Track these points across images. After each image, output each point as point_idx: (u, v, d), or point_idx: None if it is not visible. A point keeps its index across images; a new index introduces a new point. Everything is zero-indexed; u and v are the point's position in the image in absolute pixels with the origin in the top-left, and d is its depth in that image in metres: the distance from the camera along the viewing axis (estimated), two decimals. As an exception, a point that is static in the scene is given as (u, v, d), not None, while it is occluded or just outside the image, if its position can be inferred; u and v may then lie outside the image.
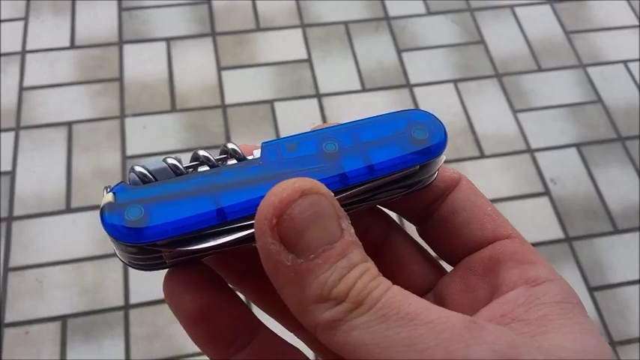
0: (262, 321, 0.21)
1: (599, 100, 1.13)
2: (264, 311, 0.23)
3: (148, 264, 0.19)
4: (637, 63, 1.18)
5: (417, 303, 0.16)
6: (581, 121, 1.10)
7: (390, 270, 0.22)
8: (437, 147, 0.20)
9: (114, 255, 0.92)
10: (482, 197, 0.22)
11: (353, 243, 0.17)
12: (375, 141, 0.20)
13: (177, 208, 0.18)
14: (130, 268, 0.89)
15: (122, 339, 0.85)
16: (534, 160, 1.05)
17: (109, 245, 0.91)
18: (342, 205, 0.18)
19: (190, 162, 0.20)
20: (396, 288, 0.16)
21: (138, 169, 0.19)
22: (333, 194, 0.17)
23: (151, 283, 0.89)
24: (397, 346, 0.15)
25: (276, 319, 0.23)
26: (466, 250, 0.21)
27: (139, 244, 0.18)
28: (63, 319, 0.86)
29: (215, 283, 0.20)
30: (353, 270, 0.16)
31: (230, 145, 0.20)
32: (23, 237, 0.92)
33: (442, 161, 0.21)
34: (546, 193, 1.01)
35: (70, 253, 0.91)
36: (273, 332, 0.21)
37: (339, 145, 0.19)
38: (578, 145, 1.07)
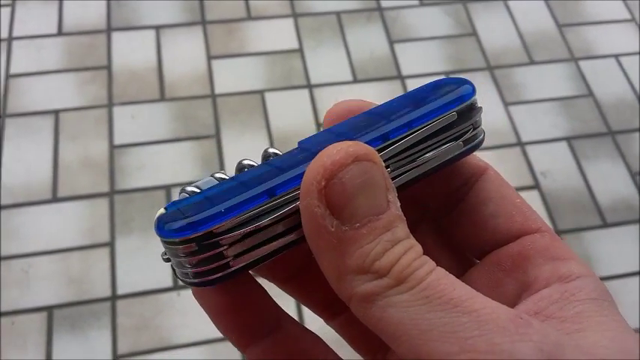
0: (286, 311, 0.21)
1: (591, 94, 1.13)
2: (304, 305, 0.23)
3: (210, 268, 0.18)
4: (629, 57, 1.18)
5: (463, 289, 0.15)
6: (572, 115, 1.10)
7: None
8: (466, 92, 0.20)
9: (101, 245, 0.91)
10: (511, 188, 0.21)
11: (399, 217, 0.16)
12: (409, 106, 0.20)
13: (227, 196, 0.18)
14: (117, 259, 0.88)
15: (109, 330, 0.84)
16: (525, 154, 1.05)
17: (96, 235, 0.90)
18: (390, 170, 0.17)
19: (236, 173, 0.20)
20: (441, 270, 0.16)
21: (189, 188, 0.19)
22: (384, 164, 0.17)
23: (138, 274, 0.88)
24: (437, 331, 0.14)
25: (312, 310, 0.23)
26: (493, 244, 0.20)
27: (198, 235, 0.17)
28: (49, 309, 0.85)
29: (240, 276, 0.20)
30: (397, 245, 0.16)
31: (271, 150, 0.20)
32: (9, 226, 0.91)
33: (481, 112, 0.21)
34: (536, 186, 1.01)
35: (56, 243, 0.90)
36: (296, 321, 0.21)
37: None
38: (568, 139, 1.07)
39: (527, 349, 0.14)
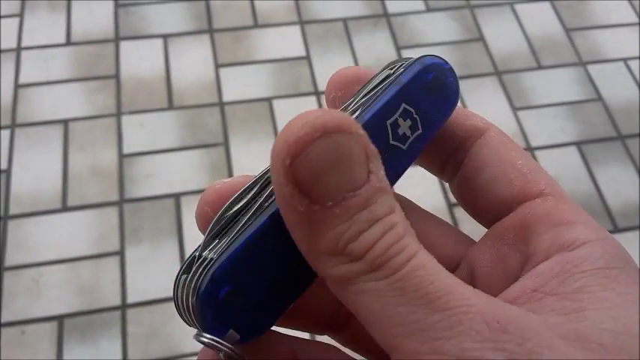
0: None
1: (600, 98, 1.12)
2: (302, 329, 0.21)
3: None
4: (637, 61, 1.17)
5: (440, 283, 0.14)
6: (581, 119, 1.09)
7: None
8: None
9: (110, 254, 0.91)
10: (514, 149, 0.19)
11: (379, 190, 0.15)
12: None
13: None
14: (127, 268, 0.88)
15: (119, 339, 0.84)
16: (534, 159, 1.04)
17: (106, 244, 0.91)
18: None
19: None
20: (422, 258, 0.14)
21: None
22: (365, 133, 0.15)
23: (148, 283, 0.88)
24: (408, 327, 0.13)
25: (311, 330, 0.21)
26: (495, 213, 0.18)
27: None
28: (59, 318, 0.85)
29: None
30: (375, 226, 0.14)
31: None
32: (19, 236, 0.91)
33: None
34: (546, 191, 1.01)
35: (66, 252, 0.90)
36: (309, 342, 0.19)
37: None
38: (578, 144, 1.07)
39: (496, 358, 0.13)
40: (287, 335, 0.19)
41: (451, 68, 0.19)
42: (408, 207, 0.21)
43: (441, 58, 0.18)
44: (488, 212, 0.19)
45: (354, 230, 0.14)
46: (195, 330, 0.17)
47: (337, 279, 0.15)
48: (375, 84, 0.18)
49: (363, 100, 0.18)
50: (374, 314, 0.14)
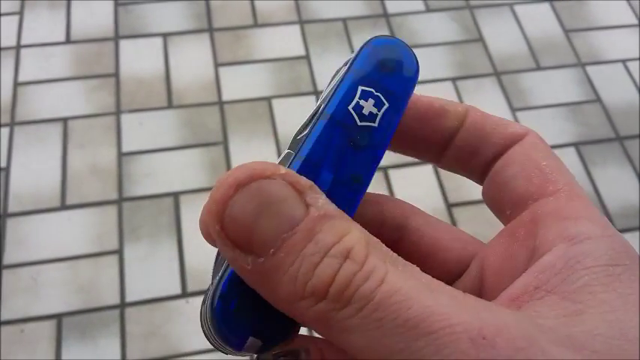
0: None
1: (598, 99, 1.12)
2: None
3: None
4: (636, 62, 1.17)
5: (418, 306, 0.13)
6: (579, 121, 1.10)
7: (422, 253, 0.20)
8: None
9: (109, 253, 0.91)
10: (544, 151, 0.18)
11: (322, 217, 0.14)
12: None
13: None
14: (126, 266, 0.88)
15: (118, 338, 0.84)
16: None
17: (105, 243, 0.91)
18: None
19: None
20: (393, 281, 0.13)
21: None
22: (289, 170, 0.15)
23: (147, 281, 0.88)
24: (396, 356, 0.13)
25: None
26: (513, 210, 0.18)
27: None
28: (58, 317, 0.85)
29: None
30: (327, 257, 0.14)
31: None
32: (18, 234, 0.91)
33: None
34: (544, 192, 1.01)
35: (65, 251, 0.90)
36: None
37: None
38: (576, 145, 1.07)
39: None
40: (315, 337, 0.19)
41: (400, 42, 0.19)
42: (412, 213, 0.21)
43: (388, 36, 0.19)
44: (506, 209, 0.19)
45: (305, 267, 0.14)
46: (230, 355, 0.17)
47: (314, 322, 0.14)
48: (336, 79, 0.19)
49: (328, 94, 0.18)
50: (362, 351, 0.13)
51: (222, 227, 0.14)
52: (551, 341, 0.13)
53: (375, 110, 0.18)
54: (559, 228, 0.16)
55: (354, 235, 0.14)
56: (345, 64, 0.19)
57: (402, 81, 0.19)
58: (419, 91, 0.20)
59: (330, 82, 0.19)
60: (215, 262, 0.18)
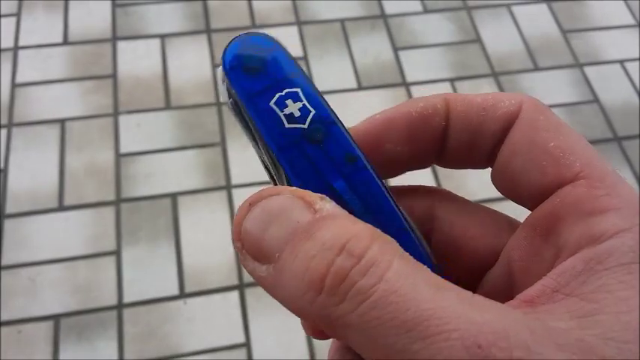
0: None
1: (596, 99, 1.13)
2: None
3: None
4: (634, 63, 1.17)
5: (416, 309, 0.13)
6: (577, 121, 1.10)
7: (452, 244, 0.19)
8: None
9: (107, 253, 0.91)
10: (546, 128, 0.17)
11: (323, 219, 0.14)
12: None
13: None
14: (124, 267, 0.88)
15: (115, 338, 0.84)
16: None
17: (103, 243, 0.90)
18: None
19: None
20: (393, 280, 0.13)
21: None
22: (296, 188, 0.16)
23: (144, 282, 0.88)
24: (395, 356, 0.13)
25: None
26: (533, 202, 0.17)
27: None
28: (56, 318, 0.85)
29: None
30: (322, 251, 0.14)
31: None
32: (15, 235, 0.91)
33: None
34: (542, 192, 1.01)
35: (62, 252, 0.90)
36: None
37: None
38: (574, 145, 1.07)
39: None
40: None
41: (248, 35, 0.18)
42: (447, 198, 0.20)
43: (235, 38, 0.18)
44: (527, 201, 0.17)
45: (302, 261, 0.14)
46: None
47: (318, 318, 0.14)
48: (231, 102, 0.18)
49: (253, 129, 0.18)
50: (362, 349, 0.14)
51: (242, 244, 0.15)
52: (557, 346, 0.13)
53: (298, 105, 0.17)
54: (583, 227, 0.15)
55: (355, 229, 0.14)
56: (223, 80, 0.18)
57: (278, 65, 0.18)
58: (419, 91, 0.19)
59: (230, 102, 0.18)
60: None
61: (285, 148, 0.17)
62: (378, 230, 0.15)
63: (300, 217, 0.15)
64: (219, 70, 0.18)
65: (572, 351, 0.13)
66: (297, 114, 0.17)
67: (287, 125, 0.17)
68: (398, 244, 0.14)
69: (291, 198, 0.15)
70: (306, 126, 0.17)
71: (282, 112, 0.17)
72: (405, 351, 0.13)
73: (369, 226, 0.15)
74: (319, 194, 0.15)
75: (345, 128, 0.17)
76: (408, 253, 0.14)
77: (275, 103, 0.17)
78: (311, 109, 0.17)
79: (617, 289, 0.13)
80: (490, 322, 0.13)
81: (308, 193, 0.15)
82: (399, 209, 0.17)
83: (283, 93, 0.17)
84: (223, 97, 0.18)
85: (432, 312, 0.13)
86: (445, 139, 0.19)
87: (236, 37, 0.18)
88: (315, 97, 0.17)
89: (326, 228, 0.14)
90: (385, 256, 0.14)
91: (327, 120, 0.17)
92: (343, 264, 0.13)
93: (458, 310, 0.13)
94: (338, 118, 0.17)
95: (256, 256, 0.15)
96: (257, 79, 0.17)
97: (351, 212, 0.15)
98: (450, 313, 0.13)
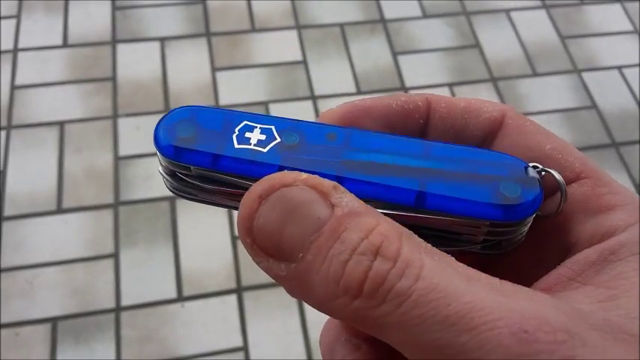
0: None
1: (594, 105, 1.13)
2: None
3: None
4: (632, 69, 1.18)
5: (457, 303, 0.13)
6: (575, 127, 1.10)
7: None
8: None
9: (105, 256, 0.91)
10: (536, 133, 0.18)
11: (347, 216, 0.14)
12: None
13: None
14: (122, 270, 0.88)
15: (113, 341, 0.84)
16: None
17: (101, 246, 0.90)
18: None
19: None
20: (429, 277, 0.13)
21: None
22: (309, 175, 0.15)
23: (142, 285, 0.88)
24: (439, 353, 0.13)
25: None
26: None
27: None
28: (53, 320, 0.85)
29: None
30: (356, 254, 0.14)
31: None
32: (14, 237, 0.91)
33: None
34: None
35: (61, 254, 0.90)
36: None
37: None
38: (572, 150, 1.07)
39: None
40: None
41: (160, 121, 0.18)
42: None
43: (156, 128, 0.18)
44: None
45: (335, 267, 0.14)
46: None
47: (353, 320, 0.14)
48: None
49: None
50: (404, 347, 0.14)
51: (253, 240, 0.15)
52: (591, 327, 0.13)
53: (257, 130, 0.17)
54: (594, 224, 0.16)
55: (382, 229, 0.14)
56: (165, 168, 0.18)
57: (207, 118, 0.18)
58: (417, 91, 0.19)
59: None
60: None
61: (281, 168, 0.17)
62: (398, 224, 0.15)
63: (320, 212, 0.14)
64: (159, 161, 0.17)
65: (604, 330, 0.13)
66: (263, 137, 0.17)
67: (265, 150, 0.17)
68: (417, 235, 0.15)
69: (306, 190, 0.15)
70: (279, 139, 0.17)
71: (251, 145, 0.17)
72: (450, 345, 0.13)
73: (391, 221, 0.15)
74: (331, 182, 0.15)
75: (311, 121, 0.17)
76: (430, 245, 0.15)
77: (239, 144, 0.17)
78: (269, 125, 0.17)
79: (632, 275, 0.14)
80: (529, 308, 0.13)
81: (320, 182, 0.15)
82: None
83: (236, 132, 0.17)
84: (169, 184, 0.18)
85: (472, 304, 0.13)
86: (423, 137, 0.19)
87: (155, 128, 0.17)
88: (260, 116, 0.17)
89: (352, 228, 0.14)
90: (416, 254, 0.14)
91: (289, 122, 0.17)
92: (380, 269, 0.13)
93: (495, 299, 0.13)
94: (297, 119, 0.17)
95: (272, 254, 0.14)
96: (202, 143, 0.17)
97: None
98: (490, 302, 0.13)
